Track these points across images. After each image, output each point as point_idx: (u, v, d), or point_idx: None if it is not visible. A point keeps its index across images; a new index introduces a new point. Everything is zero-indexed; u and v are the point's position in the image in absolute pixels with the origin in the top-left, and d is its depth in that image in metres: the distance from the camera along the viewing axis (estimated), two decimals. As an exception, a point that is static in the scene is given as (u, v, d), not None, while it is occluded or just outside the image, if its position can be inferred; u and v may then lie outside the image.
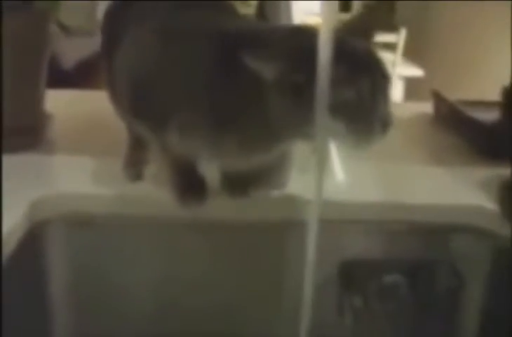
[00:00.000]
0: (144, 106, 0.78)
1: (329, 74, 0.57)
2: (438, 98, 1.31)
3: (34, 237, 0.82)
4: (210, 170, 0.85)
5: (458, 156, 1.09)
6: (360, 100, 0.64)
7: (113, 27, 0.89)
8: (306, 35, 0.65)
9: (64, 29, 1.03)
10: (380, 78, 0.67)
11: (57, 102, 1.08)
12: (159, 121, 0.76)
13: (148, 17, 0.81)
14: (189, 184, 0.82)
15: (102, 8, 1.02)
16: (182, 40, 0.75)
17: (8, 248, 0.75)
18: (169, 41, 0.76)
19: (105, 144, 1.01)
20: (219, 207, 0.85)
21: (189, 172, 0.83)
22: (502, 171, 0.95)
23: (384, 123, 0.66)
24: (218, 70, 0.70)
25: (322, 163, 0.62)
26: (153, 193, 0.86)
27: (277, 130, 0.70)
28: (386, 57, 3.35)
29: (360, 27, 0.72)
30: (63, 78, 1.35)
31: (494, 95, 1.23)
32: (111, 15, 0.92)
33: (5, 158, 0.91)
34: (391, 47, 3.34)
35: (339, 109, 0.63)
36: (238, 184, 0.86)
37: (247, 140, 0.72)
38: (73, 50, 2.70)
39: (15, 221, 0.78)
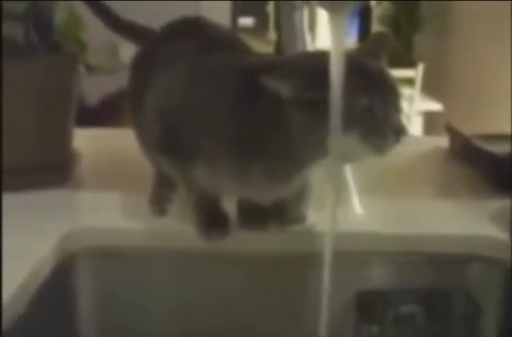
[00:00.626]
0: (172, 142, 0.82)
1: (343, 89, 0.62)
2: (453, 132, 1.33)
3: (63, 270, 0.85)
4: (231, 205, 0.88)
5: (471, 188, 1.10)
6: (372, 112, 0.68)
7: (141, 69, 0.94)
8: (318, 56, 0.70)
9: (89, 68, 1.08)
10: (390, 91, 0.71)
11: (84, 139, 1.12)
12: (186, 156, 0.80)
13: (175, 60, 0.85)
14: (213, 219, 0.85)
15: (124, 48, 1.07)
16: (206, 78, 0.80)
17: (38, 281, 0.78)
18: (195, 80, 0.81)
19: (131, 181, 1.05)
20: (240, 240, 0.87)
21: (213, 207, 0.86)
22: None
23: (397, 131, 0.69)
24: (240, 102, 0.75)
25: (337, 189, 0.65)
26: (178, 227, 0.89)
27: (299, 154, 0.73)
28: (404, 92, 3.38)
29: (371, 48, 0.76)
30: (87, 116, 1.39)
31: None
32: (139, 58, 0.97)
33: (36, 193, 0.96)
34: (409, 82, 3.37)
35: (353, 122, 0.67)
36: (257, 218, 0.88)
37: (271, 168, 0.75)
38: (96, 89, 2.77)
39: (44, 254, 0.81)
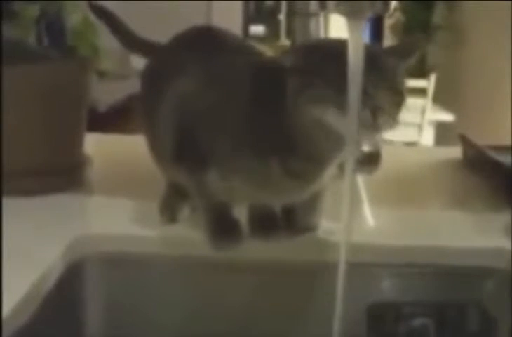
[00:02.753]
0: (186, 151, 0.82)
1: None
2: (466, 142, 1.33)
3: (71, 275, 0.84)
4: (242, 214, 0.88)
5: (485, 200, 1.09)
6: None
7: (153, 78, 0.94)
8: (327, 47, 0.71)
9: (100, 73, 1.08)
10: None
11: (95, 144, 1.12)
12: (200, 164, 0.80)
13: (188, 69, 0.86)
14: (224, 228, 0.85)
15: (135, 55, 1.07)
16: (218, 84, 0.81)
17: (47, 286, 0.77)
18: (208, 87, 0.82)
19: (141, 187, 1.04)
20: (250, 249, 0.86)
21: (224, 215, 0.86)
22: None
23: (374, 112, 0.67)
24: (251, 104, 0.76)
25: (351, 197, 0.64)
26: (188, 235, 0.89)
27: (315, 149, 0.74)
28: (417, 102, 3.39)
29: (401, 49, 0.75)
30: (97, 122, 1.40)
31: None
32: (151, 68, 0.97)
33: (46, 198, 0.95)
34: (421, 92, 3.37)
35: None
36: (267, 226, 0.88)
37: (288, 166, 0.75)
38: (107, 94, 2.78)
39: (53, 260, 0.80)
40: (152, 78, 0.95)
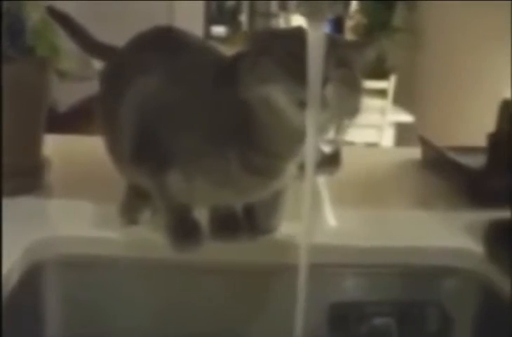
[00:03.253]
0: (146, 152, 0.82)
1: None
2: (425, 144, 1.34)
3: (31, 278, 0.83)
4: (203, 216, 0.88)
5: (445, 200, 1.11)
6: None
7: (112, 80, 0.93)
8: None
9: (60, 74, 1.07)
10: None
11: (54, 146, 1.10)
12: (159, 166, 0.80)
13: (147, 70, 0.85)
14: (185, 230, 0.85)
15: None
16: (179, 83, 0.80)
17: (6, 289, 0.76)
18: (169, 86, 0.81)
19: (101, 189, 1.03)
20: (211, 251, 0.86)
21: (185, 217, 0.86)
22: (488, 215, 0.97)
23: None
24: (212, 104, 0.76)
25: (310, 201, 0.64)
26: (148, 237, 0.88)
27: (275, 142, 0.74)
28: (377, 103, 3.41)
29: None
30: (57, 123, 1.38)
31: (481, 140, 1.26)
32: (110, 69, 0.96)
33: (4, 201, 0.93)
34: (381, 93, 3.39)
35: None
36: (227, 228, 0.88)
37: (249, 161, 0.75)
38: (67, 95, 2.74)
39: (12, 263, 0.79)
40: (111, 79, 0.94)
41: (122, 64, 0.93)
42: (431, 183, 1.21)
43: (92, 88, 1.05)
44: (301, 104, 0.65)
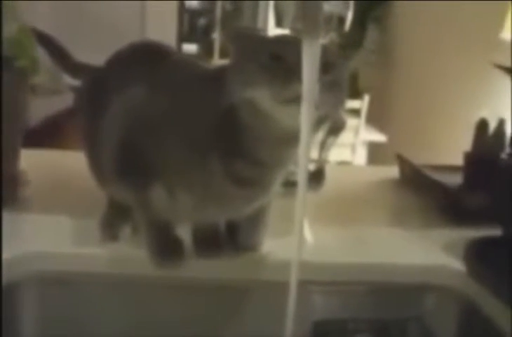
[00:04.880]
0: (129, 166, 0.80)
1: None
2: (403, 161, 1.35)
3: (6, 296, 0.81)
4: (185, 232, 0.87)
5: (422, 217, 1.11)
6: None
7: (93, 94, 0.92)
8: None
9: (31, 88, 1.05)
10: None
11: (29, 160, 1.08)
12: (143, 181, 0.79)
13: (130, 82, 0.84)
14: (167, 246, 0.84)
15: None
16: (162, 97, 0.80)
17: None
18: (151, 100, 0.80)
19: (78, 204, 1.01)
20: (193, 267, 0.85)
21: (167, 233, 0.85)
22: (465, 233, 0.98)
23: None
24: (194, 115, 0.75)
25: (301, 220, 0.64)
26: (129, 253, 0.87)
27: (258, 150, 0.73)
28: (350, 122, 3.42)
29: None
30: (28, 137, 1.36)
31: (453, 159, 1.27)
32: (91, 85, 0.95)
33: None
34: (355, 113, 3.42)
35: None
36: (210, 245, 0.87)
37: (230, 183, 0.75)
38: (37, 110, 2.71)
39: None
40: (92, 95, 0.93)
41: (102, 79, 0.92)
42: (409, 201, 1.21)
43: (62, 102, 1.04)
44: (286, 102, 0.65)
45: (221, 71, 0.73)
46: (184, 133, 0.76)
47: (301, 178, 0.64)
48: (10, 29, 0.96)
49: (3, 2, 0.96)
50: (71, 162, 0.95)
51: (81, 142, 0.93)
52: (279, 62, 0.66)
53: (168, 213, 0.81)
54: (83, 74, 1.01)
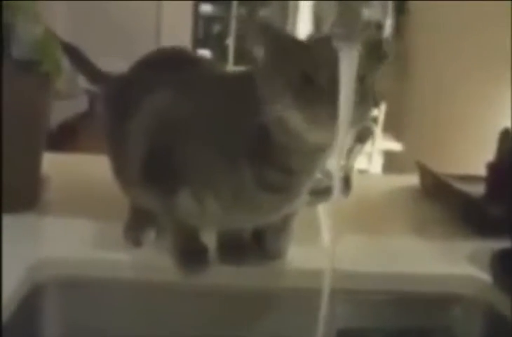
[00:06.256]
0: (157, 171, 0.80)
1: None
2: (424, 170, 1.34)
3: (31, 300, 0.81)
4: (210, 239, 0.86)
5: (445, 227, 1.11)
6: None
7: (120, 99, 0.91)
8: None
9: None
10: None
11: (54, 164, 1.08)
12: (170, 186, 0.78)
13: (159, 88, 0.83)
14: (192, 252, 0.83)
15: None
16: (191, 102, 0.79)
17: (6, 312, 0.73)
18: (180, 105, 0.80)
19: (99, 208, 1.01)
20: (217, 274, 0.84)
21: (193, 239, 0.84)
22: (489, 243, 0.98)
23: None
24: (225, 121, 0.75)
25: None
26: (153, 259, 0.86)
27: (287, 158, 0.73)
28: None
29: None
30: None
31: (469, 169, 1.26)
32: (116, 89, 0.94)
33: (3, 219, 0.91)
34: (371, 121, 3.40)
35: None
36: (234, 252, 0.86)
37: (259, 190, 0.74)
38: (54, 113, 2.72)
39: (13, 284, 0.76)
40: (118, 101, 0.92)
41: (129, 85, 0.91)
42: (430, 210, 1.21)
43: (77, 106, 1.03)
44: (314, 123, 0.65)
45: (250, 77, 0.72)
46: (214, 139, 0.75)
47: (335, 186, 0.63)
48: (34, 32, 0.95)
49: (25, 3, 0.96)
50: (91, 166, 0.94)
51: (105, 147, 0.93)
52: (311, 84, 0.65)
53: (195, 219, 0.81)
54: (107, 81, 1.01)
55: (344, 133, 0.62)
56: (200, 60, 0.92)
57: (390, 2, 0.69)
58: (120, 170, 0.91)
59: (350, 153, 0.95)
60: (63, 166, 1.23)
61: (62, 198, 1.07)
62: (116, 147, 0.90)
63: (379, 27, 0.60)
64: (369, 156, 3.46)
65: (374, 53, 0.69)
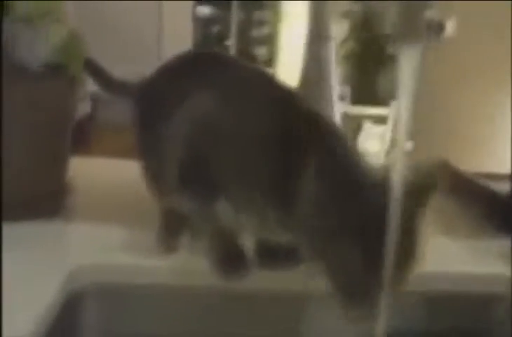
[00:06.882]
0: (196, 176, 0.78)
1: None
2: (449, 169, 1.32)
3: (68, 309, 0.79)
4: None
5: (471, 225, 1.10)
6: None
7: (152, 104, 0.90)
8: None
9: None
10: None
11: (80, 169, 1.07)
12: (208, 193, 0.77)
13: (197, 92, 0.82)
14: (230, 256, 0.81)
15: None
16: (237, 109, 0.77)
17: (47, 321, 0.71)
18: (224, 111, 0.78)
19: (127, 213, 1.00)
20: (256, 279, 0.82)
21: (230, 243, 0.82)
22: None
23: None
24: (273, 135, 0.73)
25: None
26: (188, 264, 0.85)
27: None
28: (378, 130, 3.40)
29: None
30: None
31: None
32: (148, 94, 0.93)
33: (33, 226, 0.90)
34: (381, 120, 3.40)
35: None
36: (273, 256, 0.84)
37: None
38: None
39: (53, 292, 0.74)
40: (150, 105, 0.90)
41: (163, 90, 0.89)
42: (453, 208, 1.20)
43: (85, 108, 1.03)
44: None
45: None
46: (258, 151, 0.73)
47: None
48: (59, 35, 0.94)
49: (46, 3, 0.94)
50: (108, 170, 0.93)
51: (137, 151, 0.91)
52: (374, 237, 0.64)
53: (233, 225, 0.79)
54: (126, 92, 1.00)
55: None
56: (243, 66, 0.89)
57: (453, 2, 0.67)
58: (155, 177, 0.89)
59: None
60: (85, 169, 1.22)
61: (86, 203, 1.05)
62: (150, 151, 0.88)
63: (441, 28, 0.58)
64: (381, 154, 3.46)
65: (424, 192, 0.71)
